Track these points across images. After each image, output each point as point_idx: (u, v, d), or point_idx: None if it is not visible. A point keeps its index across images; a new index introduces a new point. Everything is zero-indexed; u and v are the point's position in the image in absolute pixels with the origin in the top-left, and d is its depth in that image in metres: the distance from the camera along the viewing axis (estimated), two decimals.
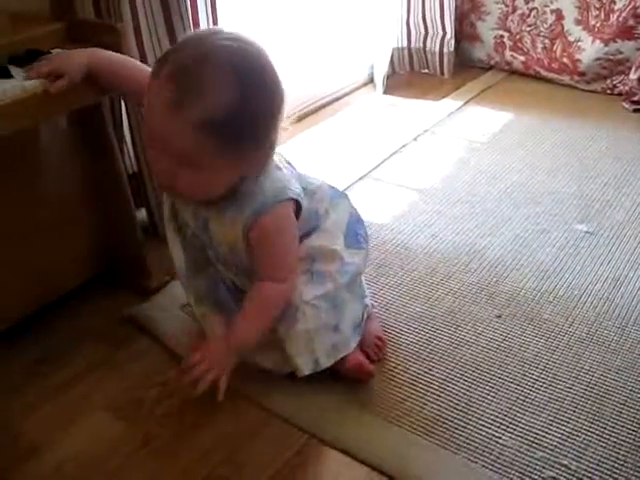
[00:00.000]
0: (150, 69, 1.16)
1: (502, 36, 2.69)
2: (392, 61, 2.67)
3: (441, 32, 2.65)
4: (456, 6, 2.66)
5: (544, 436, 1.22)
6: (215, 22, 1.72)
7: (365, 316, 1.38)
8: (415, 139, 2.25)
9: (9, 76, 1.23)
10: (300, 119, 2.29)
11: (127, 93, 1.42)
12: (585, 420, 1.24)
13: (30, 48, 1.31)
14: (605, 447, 1.19)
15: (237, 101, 1.07)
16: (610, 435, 1.21)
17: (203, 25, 1.68)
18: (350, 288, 1.34)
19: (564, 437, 1.21)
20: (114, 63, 1.31)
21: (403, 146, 2.21)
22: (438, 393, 1.31)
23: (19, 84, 1.22)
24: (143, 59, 1.57)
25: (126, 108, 1.67)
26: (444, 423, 1.25)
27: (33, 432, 1.28)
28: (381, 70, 2.60)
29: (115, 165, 1.51)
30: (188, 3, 1.59)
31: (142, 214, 1.78)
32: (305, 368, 1.29)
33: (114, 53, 1.32)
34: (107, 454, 1.23)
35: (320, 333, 1.28)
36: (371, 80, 2.69)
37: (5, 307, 1.43)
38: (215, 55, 1.08)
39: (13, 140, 1.25)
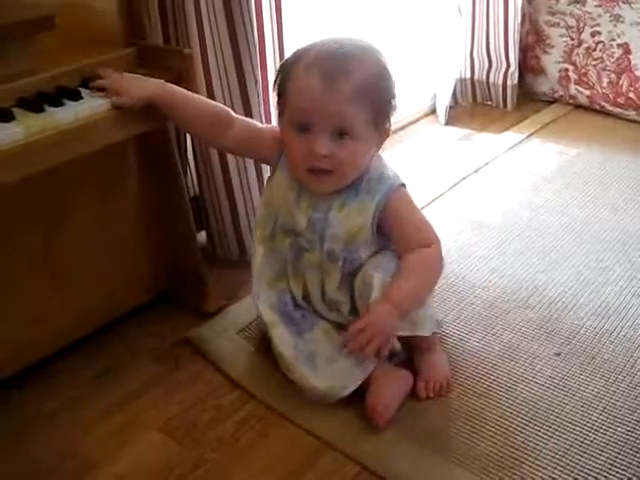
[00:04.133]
0: (217, 105, 1.43)
1: (567, 69, 2.66)
2: (455, 92, 2.67)
3: (505, 64, 2.64)
4: (520, 39, 2.65)
5: None
6: (281, 48, 1.74)
7: (438, 325, 1.43)
8: (476, 171, 2.24)
9: (80, 98, 1.27)
10: None
11: (186, 129, 1.53)
12: None
13: None
14: None
15: (376, 76, 1.26)
16: None
17: (269, 52, 1.71)
18: None
19: None
20: (178, 100, 1.35)
21: (464, 178, 2.20)
22: (494, 430, 1.29)
23: (88, 106, 1.26)
24: (209, 83, 1.60)
25: None
26: (499, 461, 1.23)
27: (90, 448, 1.30)
28: (443, 101, 2.59)
29: (179, 188, 1.54)
30: (255, 30, 1.61)
31: (202, 237, 1.80)
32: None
33: (182, 90, 1.36)
34: (160, 475, 1.24)
35: None
36: (433, 111, 2.69)
37: (66, 324, 1.47)
38: (348, 45, 1.26)
39: (80, 161, 1.28)
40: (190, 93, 1.38)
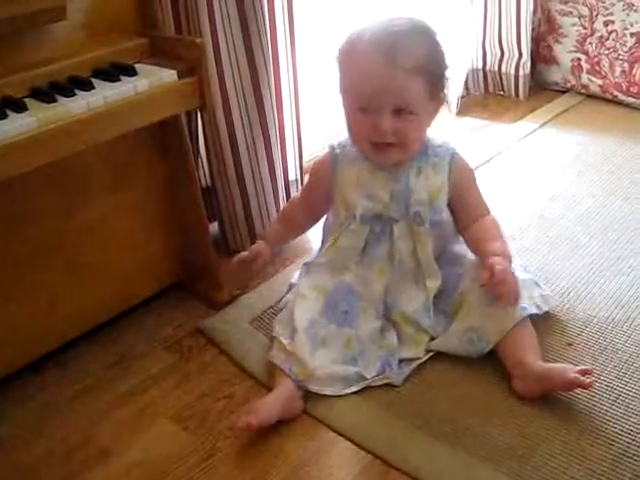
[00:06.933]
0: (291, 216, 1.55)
1: (579, 59, 2.64)
2: (467, 82, 2.66)
3: (517, 54, 2.63)
4: (533, 28, 2.64)
5: (614, 470, 1.18)
6: (293, 40, 1.73)
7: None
8: (488, 161, 2.23)
9: (92, 88, 1.28)
10: None
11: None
12: None
13: (114, 62, 1.35)
14: None
15: (431, 50, 1.34)
16: None
17: (281, 41, 1.70)
18: None
19: (636, 473, 1.17)
20: (281, 237, 1.56)
21: (476, 168, 2.16)
22: (505, 420, 1.29)
23: (101, 96, 1.26)
24: (220, 72, 1.60)
25: (202, 124, 1.70)
26: (511, 452, 1.23)
27: (104, 436, 1.31)
28: (455, 91, 2.58)
29: (190, 178, 1.55)
30: (267, 21, 1.61)
31: (214, 228, 1.80)
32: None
33: (275, 228, 1.58)
34: (173, 463, 1.25)
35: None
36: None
37: (80, 313, 1.48)
38: (402, 24, 1.32)
39: (94, 150, 1.29)
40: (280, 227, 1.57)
